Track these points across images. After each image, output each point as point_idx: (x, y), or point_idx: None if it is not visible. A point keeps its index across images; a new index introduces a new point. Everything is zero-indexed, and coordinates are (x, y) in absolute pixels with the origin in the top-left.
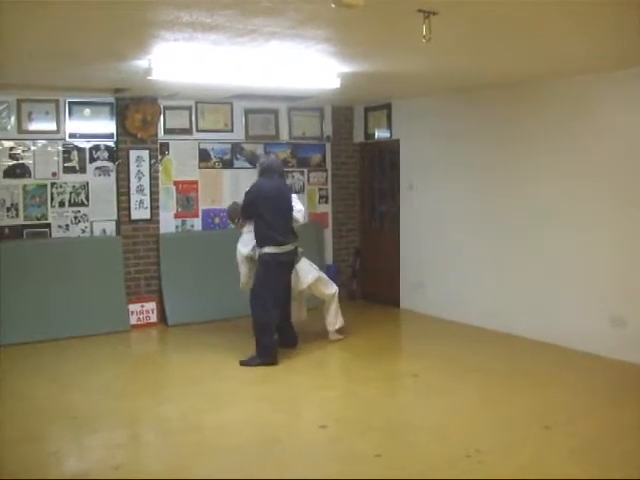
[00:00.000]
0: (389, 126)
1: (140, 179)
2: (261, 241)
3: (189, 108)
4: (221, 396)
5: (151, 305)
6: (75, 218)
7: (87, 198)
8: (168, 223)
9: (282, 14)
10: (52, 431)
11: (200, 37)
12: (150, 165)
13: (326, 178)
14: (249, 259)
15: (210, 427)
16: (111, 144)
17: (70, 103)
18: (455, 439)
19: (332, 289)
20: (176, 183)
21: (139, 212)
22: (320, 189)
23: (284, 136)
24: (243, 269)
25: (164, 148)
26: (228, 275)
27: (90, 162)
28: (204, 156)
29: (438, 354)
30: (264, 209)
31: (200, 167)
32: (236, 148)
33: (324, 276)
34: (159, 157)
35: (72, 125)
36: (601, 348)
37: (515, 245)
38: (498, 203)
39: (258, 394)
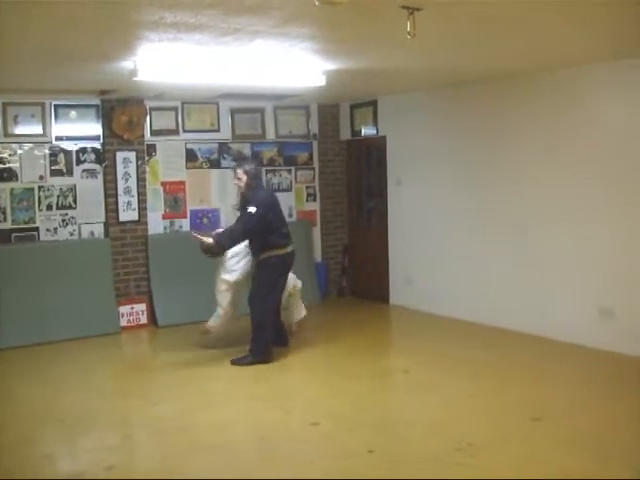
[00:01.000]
0: (375, 123)
1: (127, 180)
2: (266, 248)
3: (175, 109)
4: (213, 395)
5: (141, 306)
6: (63, 221)
7: (75, 201)
8: (156, 224)
9: (266, 13)
10: (45, 433)
11: (184, 37)
12: (137, 166)
13: (313, 176)
14: (238, 283)
15: (203, 426)
16: (98, 146)
17: (56, 106)
18: (447, 433)
19: (299, 283)
20: (163, 184)
21: (127, 214)
22: (308, 187)
23: (271, 135)
24: (227, 299)
25: (151, 149)
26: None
27: (77, 164)
28: (191, 156)
29: (428, 349)
30: (272, 217)
31: (187, 167)
32: (223, 148)
33: None
34: (146, 158)
35: (58, 128)
36: (590, 340)
37: (503, 239)
38: (485, 198)
39: (250, 393)
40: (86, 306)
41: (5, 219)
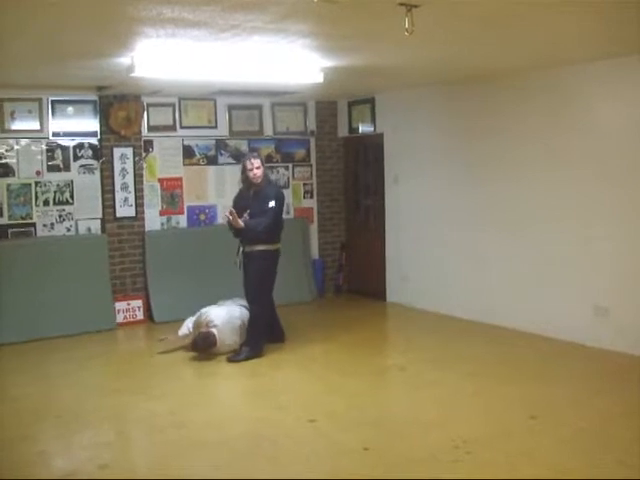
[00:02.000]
0: (373, 120)
1: (124, 177)
2: (274, 238)
3: (172, 105)
4: (209, 392)
5: (137, 303)
6: (60, 217)
7: (72, 196)
8: (153, 220)
9: (264, 9)
10: (40, 430)
11: (182, 33)
12: (134, 162)
13: (311, 173)
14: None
15: (198, 423)
16: (95, 142)
17: (53, 102)
18: (443, 431)
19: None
20: (161, 180)
21: (124, 210)
22: (305, 184)
23: (268, 131)
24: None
25: (148, 145)
26: (214, 271)
27: (74, 160)
28: (188, 153)
29: (425, 347)
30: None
31: (184, 164)
32: (220, 144)
33: None
34: (143, 154)
35: (55, 123)
36: (585, 337)
37: (500, 237)
38: (483, 195)
39: (246, 390)
40: (82, 302)
41: (2, 214)
